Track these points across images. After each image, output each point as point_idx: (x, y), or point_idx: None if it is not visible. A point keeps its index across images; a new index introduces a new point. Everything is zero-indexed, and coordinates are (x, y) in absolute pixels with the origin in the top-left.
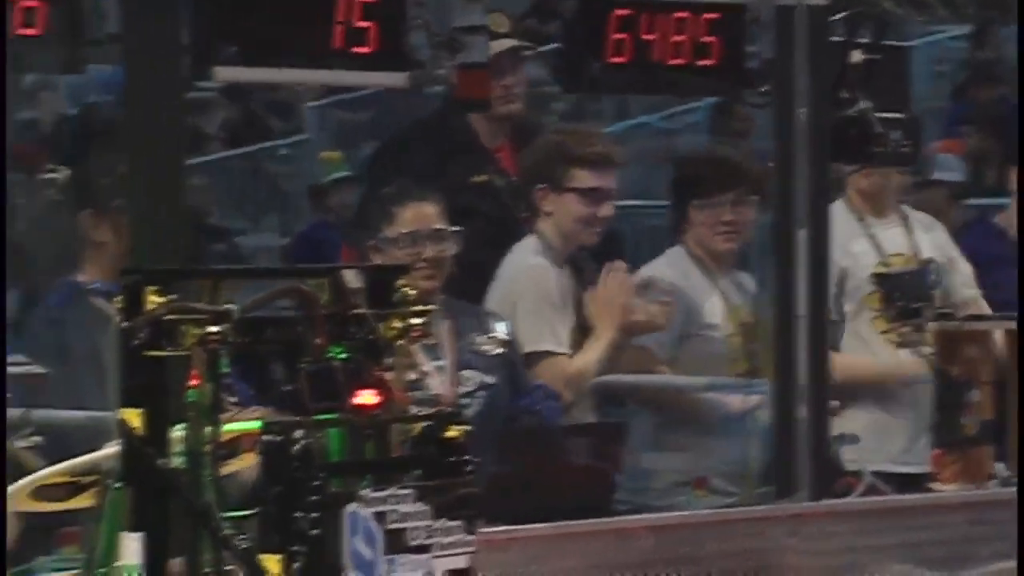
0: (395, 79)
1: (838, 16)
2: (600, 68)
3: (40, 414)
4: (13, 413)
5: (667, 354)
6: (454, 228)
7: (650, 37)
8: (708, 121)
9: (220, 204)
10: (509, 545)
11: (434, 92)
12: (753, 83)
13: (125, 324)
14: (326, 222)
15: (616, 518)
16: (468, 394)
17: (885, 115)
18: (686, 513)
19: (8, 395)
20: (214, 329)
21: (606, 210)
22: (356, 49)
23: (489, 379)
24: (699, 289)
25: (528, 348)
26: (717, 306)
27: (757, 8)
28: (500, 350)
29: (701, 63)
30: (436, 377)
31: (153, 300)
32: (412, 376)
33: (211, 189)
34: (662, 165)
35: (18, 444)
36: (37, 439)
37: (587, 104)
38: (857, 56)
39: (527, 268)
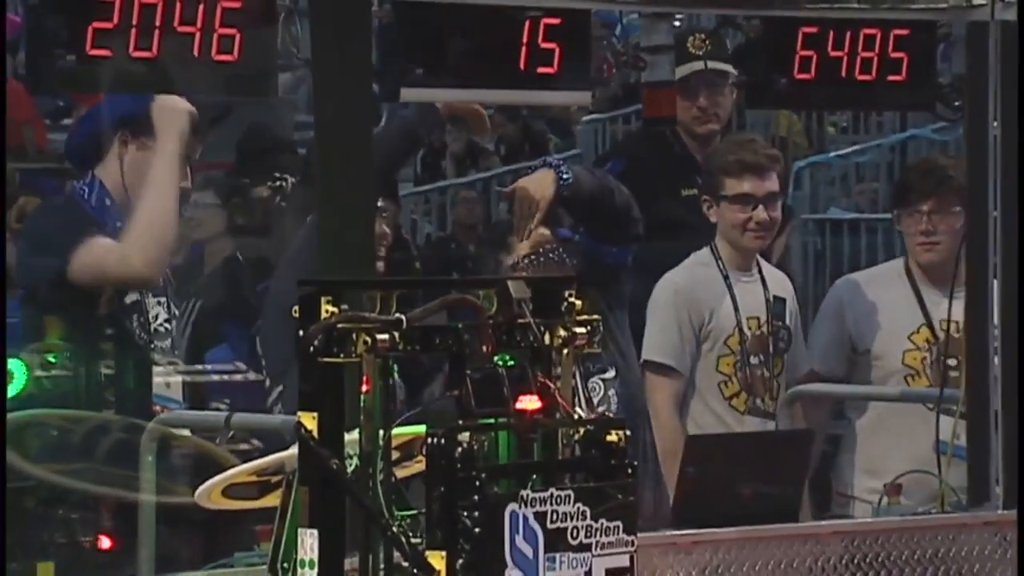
0: (579, 98)
1: None
2: (787, 85)
3: (240, 417)
4: (215, 417)
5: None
6: None
7: (838, 54)
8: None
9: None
10: (695, 548)
11: None
12: (944, 98)
13: (301, 332)
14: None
15: (805, 523)
16: None
17: None
18: (877, 519)
19: (226, 400)
20: (384, 337)
21: (762, 215)
22: (541, 69)
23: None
24: (898, 303)
25: (645, 356)
26: (915, 319)
27: (948, 24)
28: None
29: (890, 79)
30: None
31: (327, 310)
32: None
33: (479, 203)
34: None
35: (220, 445)
36: (251, 443)
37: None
38: None
39: (664, 282)
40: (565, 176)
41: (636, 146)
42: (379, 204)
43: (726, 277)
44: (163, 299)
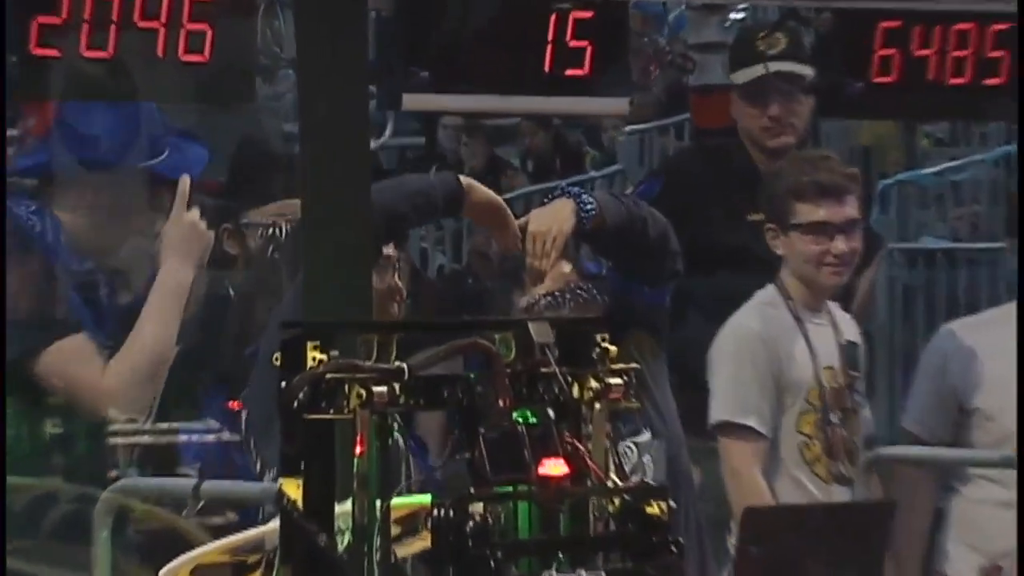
0: (614, 106)
1: None
2: (863, 90)
3: (211, 485)
4: (182, 485)
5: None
6: None
7: (924, 53)
8: None
9: None
10: None
11: None
12: None
13: (283, 384)
14: None
15: None
16: None
17: None
18: None
19: (196, 465)
20: (381, 389)
21: (840, 246)
22: (570, 72)
23: None
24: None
25: (719, 417)
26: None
27: None
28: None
29: (987, 83)
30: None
31: (315, 357)
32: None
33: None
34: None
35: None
36: (224, 515)
37: None
38: None
39: (734, 327)
40: (587, 207)
41: (688, 162)
42: (387, 253)
43: (798, 319)
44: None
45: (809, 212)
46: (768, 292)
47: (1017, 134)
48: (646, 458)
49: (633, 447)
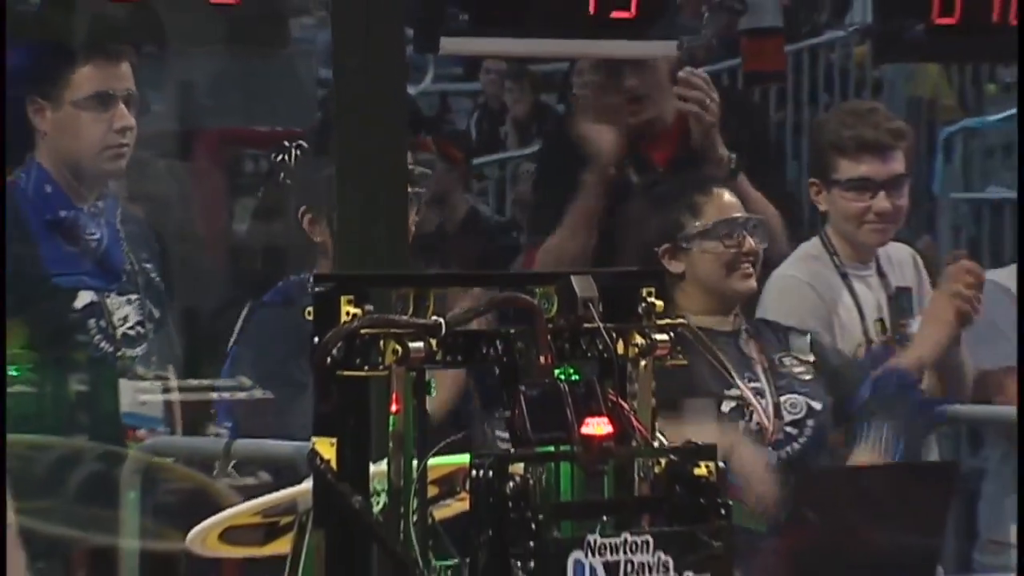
0: (662, 48)
1: None
2: (923, 33)
3: (242, 444)
4: (212, 444)
5: None
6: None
7: None
8: None
9: None
10: None
11: None
12: None
13: (316, 340)
14: None
15: None
16: (796, 423)
17: None
18: None
19: (227, 424)
20: (418, 345)
21: (883, 204)
22: (616, 14)
23: (816, 404)
24: None
25: None
26: None
27: None
28: (812, 372)
29: None
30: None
31: (348, 312)
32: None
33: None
34: None
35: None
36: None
37: None
38: None
39: (776, 278)
40: None
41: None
42: None
43: (843, 275)
44: (133, 296)
45: (850, 168)
46: (814, 244)
47: (1017, 134)
48: None
49: None
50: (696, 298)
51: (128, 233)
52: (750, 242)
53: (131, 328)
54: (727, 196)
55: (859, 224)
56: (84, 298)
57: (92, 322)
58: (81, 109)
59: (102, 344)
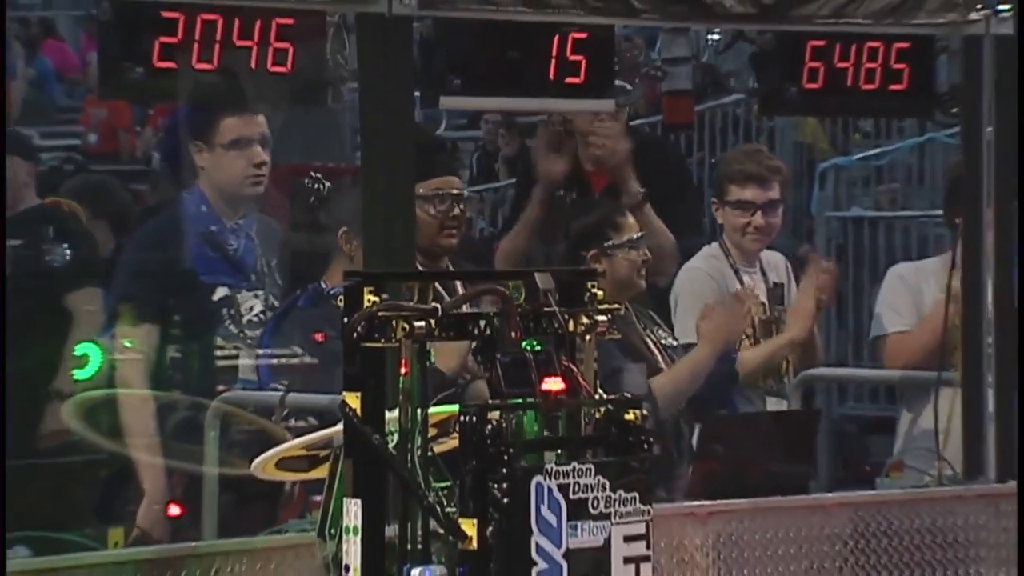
0: (603, 105)
1: None
2: (797, 93)
3: (293, 397)
4: (271, 397)
5: None
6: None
7: (844, 65)
8: None
9: None
10: (710, 519)
11: None
12: (942, 105)
13: (346, 319)
14: None
15: (813, 495)
16: None
17: None
18: (879, 492)
19: (283, 381)
20: (421, 324)
21: (760, 220)
22: (569, 80)
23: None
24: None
25: (683, 340)
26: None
27: (946, 37)
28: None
29: (893, 87)
30: None
31: (370, 299)
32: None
33: None
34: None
35: (275, 422)
36: (304, 420)
37: None
38: None
39: (685, 270)
40: None
41: None
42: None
43: (736, 271)
44: (260, 292)
45: (737, 192)
46: (714, 247)
47: (1017, 129)
48: None
49: None
50: (610, 292)
51: (263, 242)
52: (645, 253)
53: (255, 316)
54: (631, 220)
55: (743, 234)
56: (220, 293)
57: (224, 311)
58: (227, 149)
59: (230, 327)
